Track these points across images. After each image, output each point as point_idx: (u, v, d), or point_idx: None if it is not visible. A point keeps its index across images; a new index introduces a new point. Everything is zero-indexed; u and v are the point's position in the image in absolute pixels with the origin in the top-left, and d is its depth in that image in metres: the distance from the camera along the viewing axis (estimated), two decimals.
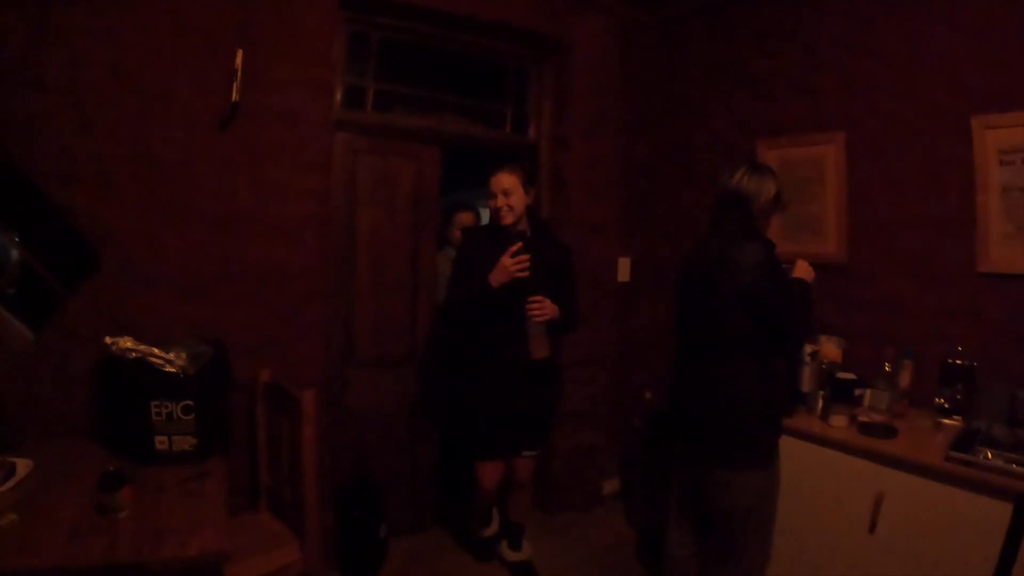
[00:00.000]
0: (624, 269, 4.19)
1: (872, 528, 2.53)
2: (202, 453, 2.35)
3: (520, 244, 2.74)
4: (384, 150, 3.38)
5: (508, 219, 2.85)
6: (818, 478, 2.73)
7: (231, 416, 2.68)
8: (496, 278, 2.75)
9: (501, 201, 2.83)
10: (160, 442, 2.29)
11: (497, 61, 3.85)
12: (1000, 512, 2.20)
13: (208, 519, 1.93)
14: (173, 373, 2.31)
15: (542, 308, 2.82)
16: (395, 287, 3.45)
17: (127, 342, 2.34)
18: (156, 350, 2.34)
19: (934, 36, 3.00)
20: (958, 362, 2.82)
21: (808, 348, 3.02)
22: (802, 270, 2.54)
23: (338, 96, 3.21)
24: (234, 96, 2.65)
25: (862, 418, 2.77)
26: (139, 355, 2.31)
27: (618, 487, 4.25)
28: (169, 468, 2.25)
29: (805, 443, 2.77)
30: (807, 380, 3.02)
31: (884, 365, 2.94)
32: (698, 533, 2.67)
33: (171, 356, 2.34)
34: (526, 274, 2.74)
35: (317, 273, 3.05)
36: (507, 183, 2.83)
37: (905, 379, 2.93)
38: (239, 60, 2.64)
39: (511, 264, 2.71)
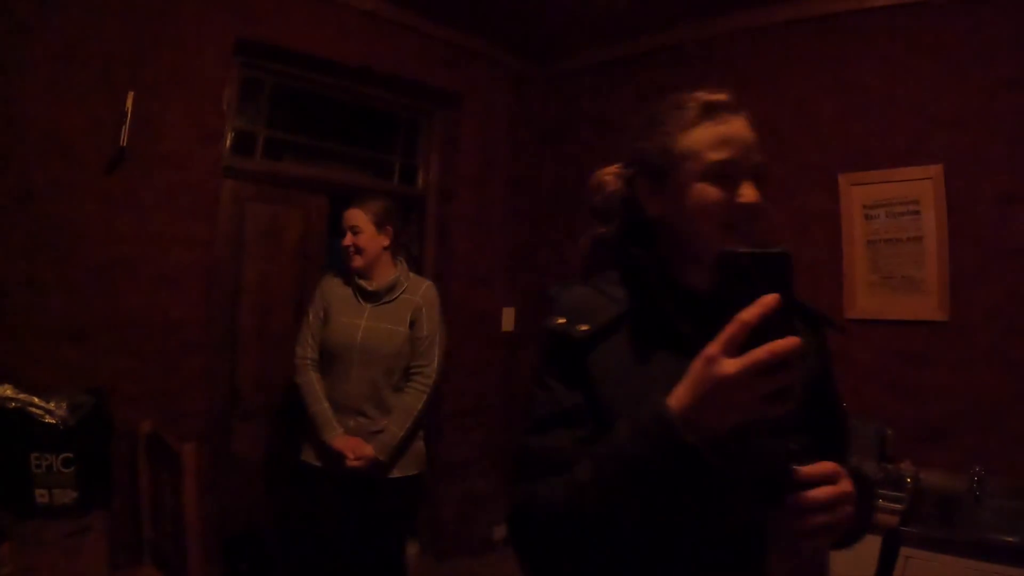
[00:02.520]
0: (508, 319, 4.25)
1: None
2: (83, 506, 2.28)
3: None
4: (272, 198, 3.35)
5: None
6: None
7: (113, 468, 2.57)
8: None
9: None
10: (40, 495, 2.23)
11: (388, 112, 3.91)
12: (869, 546, 2.30)
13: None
14: (53, 424, 2.25)
15: None
16: (281, 336, 3.29)
17: (6, 390, 2.27)
18: (36, 399, 2.28)
19: (805, 102, 3.26)
20: None
21: None
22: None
23: (227, 142, 3.16)
24: (123, 139, 2.61)
25: None
26: (19, 405, 2.25)
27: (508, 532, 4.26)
28: (50, 522, 2.19)
29: None
30: None
31: None
32: None
33: (51, 406, 2.28)
34: None
35: (201, 322, 2.97)
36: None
37: None
38: (130, 102, 2.61)
39: None
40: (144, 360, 2.79)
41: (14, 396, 2.25)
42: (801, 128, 3.28)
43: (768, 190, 3.04)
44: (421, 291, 2.66)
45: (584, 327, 1.00)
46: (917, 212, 2.93)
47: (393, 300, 2.61)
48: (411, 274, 2.72)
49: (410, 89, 3.77)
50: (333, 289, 2.66)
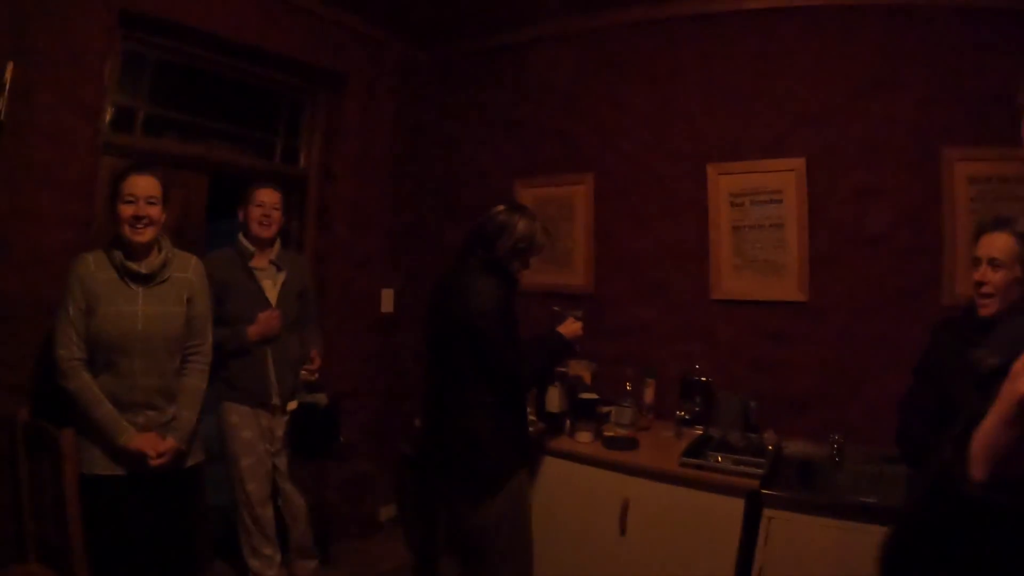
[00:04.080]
0: (388, 300, 4.22)
1: (623, 531, 2.71)
2: None
3: None
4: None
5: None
6: (571, 490, 2.88)
7: None
8: None
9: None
10: None
11: (272, 90, 3.78)
12: (734, 507, 2.47)
13: None
14: None
15: None
16: None
17: None
18: None
19: (679, 96, 3.41)
20: (696, 378, 3.16)
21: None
22: (567, 327, 2.58)
23: (107, 117, 2.95)
24: (0, 113, 2.37)
25: (607, 433, 2.97)
26: None
27: (394, 512, 4.23)
28: None
29: (557, 460, 2.93)
30: (554, 401, 3.15)
31: (625, 384, 3.19)
32: (466, 558, 2.68)
33: None
34: None
35: None
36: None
37: (649, 395, 3.23)
38: (9, 72, 2.37)
39: None
40: (20, 346, 2.55)
41: None
42: (673, 120, 3.42)
43: (642, 179, 3.18)
44: (191, 267, 2.53)
45: None
46: (780, 201, 3.12)
47: (166, 280, 2.42)
48: (174, 249, 2.50)
49: (296, 69, 3.65)
50: (92, 275, 2.31)
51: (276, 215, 2.95)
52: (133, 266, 2.32)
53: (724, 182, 3.25)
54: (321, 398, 2.96)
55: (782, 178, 3.11)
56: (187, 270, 2.50)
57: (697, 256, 3.32)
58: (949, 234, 2.77)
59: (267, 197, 2.94)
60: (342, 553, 3.71)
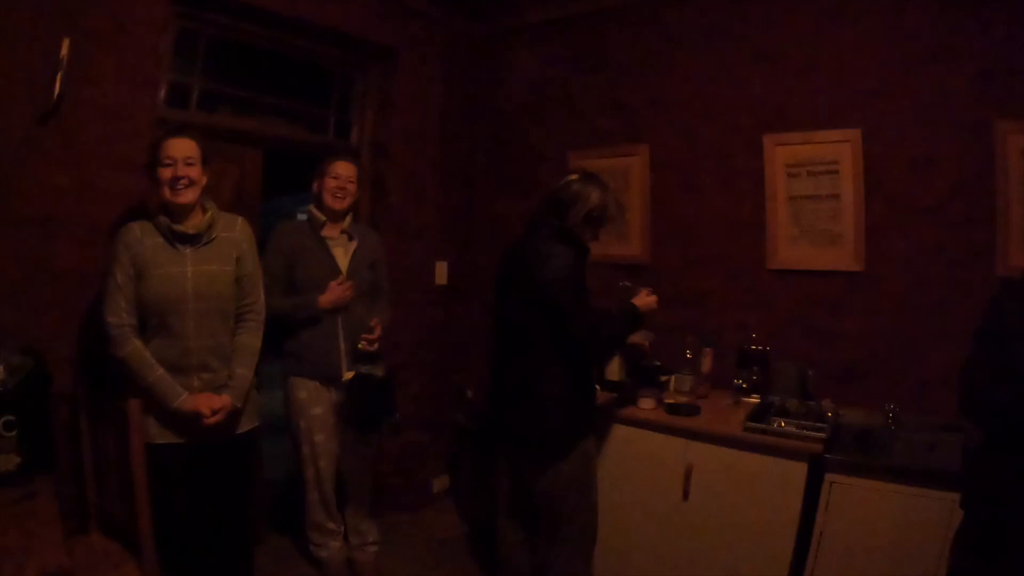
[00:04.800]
0: (441, 273, 4.32)
1: (685, 496, 2.85)
2: (27, 472, 2.18)
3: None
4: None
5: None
6: (634, 456, 3.01)
7: (54, 432, 2.45)
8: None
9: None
10: None
11: (323, 66, 3.84)
12: (797, 471, 2.59)
13: (44, 539, 1.82)
14: None
15: None
16: None
17: None
18: None
19: (733, 65, 3.44)
20: (753, 347, 3.25)
21: None
22: (642, 299, 2.63)
23: (162, 93, 3.04)
24: (57, 88, 2.45)
25: (668, 400, 3.08)
26: None
27: (447, 484, 4.36)
28: None
29: (621, 426, 3.05)
30: (615, 370, 3.25)
31: (685, 352, 3.29)
32: (527, 522, 2.80)
33: None
34: None
35: None
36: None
37: (707, 364, 3.31)
38: (65, 49, 2.44)
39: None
40: (78, 318, 2.65)
41: None
42: (729, 92, 3.46)
43: (698, 149, 3.23)
44: (238, 227, 2.53)
45: None
46: (836, 172, 3.16)
47: (213, 240, 2.43)
48: (220, 211, 2.53)
49: (347, 43, 3.71)
50: (139, 240, 2.32)
51: (351, 188, 2.98)
52: (179, 227, 2.34)
53: (781, 152, 3.30)
54: (378, 369, 2.97)
55: (838, 149, 3.14)
56: (234, 229, 2.50)
57: (753, 226, 3.39)
58: (1003, 205, 2.81)
59: (343, 169, 2.96)
60: (396, 525, 3.80)
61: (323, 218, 2.98)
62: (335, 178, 2.94)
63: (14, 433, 2.14)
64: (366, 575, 3.20)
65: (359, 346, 2.97)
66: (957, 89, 2.90)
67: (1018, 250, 2.73)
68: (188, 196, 2.32)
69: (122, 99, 2.73)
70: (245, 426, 2.53)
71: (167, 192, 2.29)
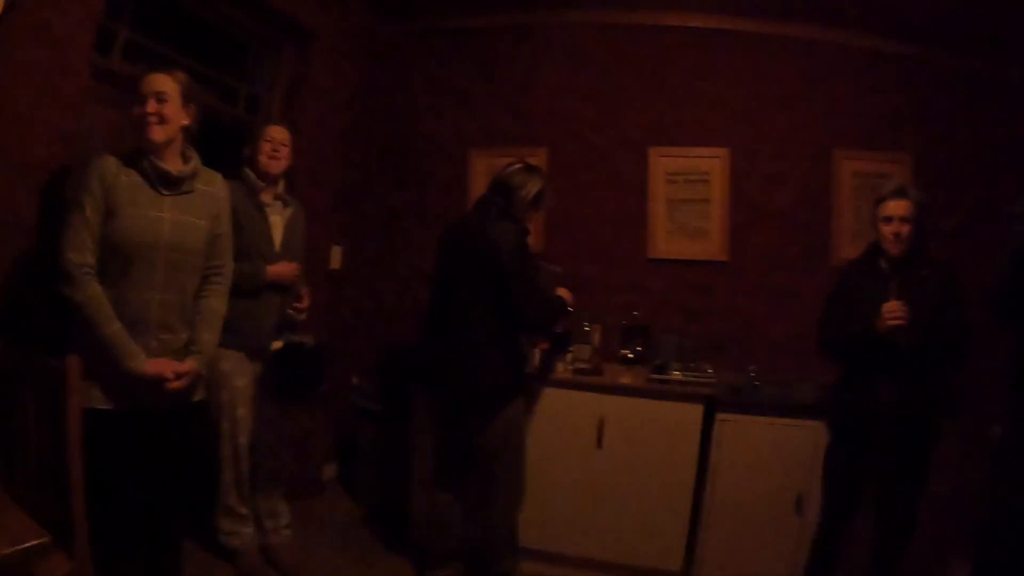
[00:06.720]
0: (336, 257, 4.35)
1: (599, 444, 3.24)
2: None
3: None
4: (122, 103, 2.71)
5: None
6: (552, 414, 3.30)
7: None
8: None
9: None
10: None
11: (239, 38, 3.81)
12: (694, 413, 3.12)
13: None
14: None
15: None
16: None
17: None
18: None
19: (626, 85, 4.05)
20: (638, 324, 3.82)
21: None
22: (566, 294, 2.99)
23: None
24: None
25: (575, 365, 3.49)
26: None
27: (336, 471, 4.36)
28: None
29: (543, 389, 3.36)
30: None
31: (583, 326, 3.74)
32: (455, 484, 2.96)
33: None
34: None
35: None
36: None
37: (596, 339, 3.80)
38: None
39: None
40: None
41: None
42: (621, 109, 4.06)
43: (591, 156, 3.79)
44: (218, 183, 2.38)
45: None
46: (708, 181, 3.90)
47: (193, 191, 2.25)
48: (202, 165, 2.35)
49: (268, 16, 3.70)
50: (116, 174, 2.09)
51: (285, 151, 2.94)
52: (162, 165, 2.13)
53: (662, 163, 3.96)
54: (308, 337, 2.95)
55: (710, 163, 3.88)
56: (214, 185, 2.34)
57: (636, 222, 4.00)
58: (836, 212, 3.72)
59: (277, 133, 2.94)
60: (295, 512, 3.50)
61: (260, 183, 2.91)
62: (269, 141, 2.90)
63: None
64: (283, 559, 3.03)
65: (287, 313, 2.93)
66: (805, 123, 3.80)
67: (848, 245, 3.62)
68: (157, 134, 2.10)
69: (60, 32, 2.47)
70: (198, 395, 2.32)
71: (139, 129, 2.12)
